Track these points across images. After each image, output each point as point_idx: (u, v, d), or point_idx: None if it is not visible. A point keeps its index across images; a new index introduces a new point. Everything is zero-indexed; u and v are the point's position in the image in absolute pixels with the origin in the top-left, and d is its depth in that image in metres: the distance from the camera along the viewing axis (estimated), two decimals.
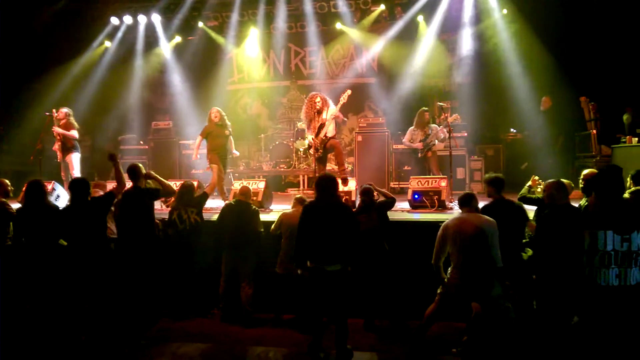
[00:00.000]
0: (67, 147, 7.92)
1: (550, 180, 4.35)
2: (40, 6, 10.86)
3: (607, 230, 3.25)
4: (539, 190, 5.26)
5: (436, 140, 7.79)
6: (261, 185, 7.28)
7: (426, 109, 8.23)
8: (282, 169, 10.28)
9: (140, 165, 5.45)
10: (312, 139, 7.20)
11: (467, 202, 4.47)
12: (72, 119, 7.98)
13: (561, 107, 8.76)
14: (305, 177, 10.08)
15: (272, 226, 5.53)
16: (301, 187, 10.13)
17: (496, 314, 4.31)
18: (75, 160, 7.96)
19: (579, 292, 3.42)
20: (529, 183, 5.29)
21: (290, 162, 10.17)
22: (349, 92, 7.21)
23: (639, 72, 8.62)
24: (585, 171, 5.03)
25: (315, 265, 4.37)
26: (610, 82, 8.76)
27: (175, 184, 7.25)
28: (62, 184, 7.73)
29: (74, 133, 7.91)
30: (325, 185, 4.46)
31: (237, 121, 12.28)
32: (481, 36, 10.47)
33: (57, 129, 7.86)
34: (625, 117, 8.63)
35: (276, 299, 5.54)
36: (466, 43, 10.59)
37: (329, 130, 7.13)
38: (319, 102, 7.15)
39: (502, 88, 9.83)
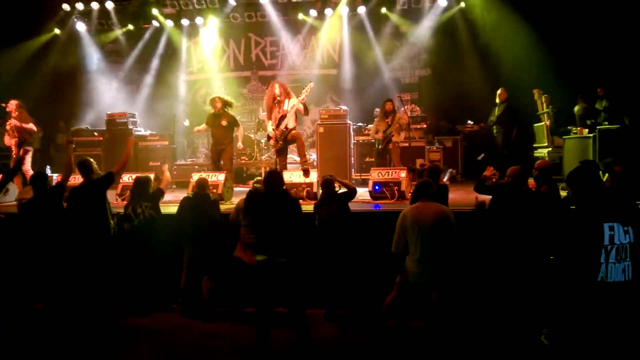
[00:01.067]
0: (22, 140, 7.53)
1: (515, 167, 4.60)
2: None
3: (614, 223, 3.02)
4: (493, 180, 5.40)
5: (400, 130, 7.86)
6: (221, 177, 7.16)
7: (390, 98, 8.27)
8: (243, 161, 10.15)
9: (91, 159, 5.30)
10: (273, 129, 7.12)
11: (424, 191, 4.54)
12: (25, 111, 7.63)
13: (516, 99, 9.01)
14: (267, 168, 9.98)
15: (231, 214, 5.45)
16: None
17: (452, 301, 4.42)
18: (28, 156, 7.63)
19: (580, 290, 3.15)
20: (485, 173, 5.41)
21: (252, 154, 10.05)
22: (311, 84, 7.13)
23: (589, 64, 8.97)
24: (538, 161, 5.21)
25: (265, 257, 4.34)
26: (563, 74, 9.07)
27: (130, 177, 7.14)
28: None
29: (32, 126, 7.58)
30: (271, 179, 4.49)
31: (196, 112, 12.11)
32: (441, 28, 10.64)
33: (14, 122, 7.44)
34: (576, 108, 8.97)
35: (238, 291, 5.47)
36: (426, 35, 10.74)
37: (290, 122, 7.04)
38: (278, 91, 7.05)
39: (460, 80, 10.03)
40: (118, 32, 11.62)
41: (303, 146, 7.30)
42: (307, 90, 7.04)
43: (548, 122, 8.61)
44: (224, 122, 7.75)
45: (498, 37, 9.86)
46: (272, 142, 7.26)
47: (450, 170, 8.34)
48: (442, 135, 10.01)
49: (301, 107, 7.00)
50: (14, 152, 7.57)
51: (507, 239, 4.53)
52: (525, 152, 8.80)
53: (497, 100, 8.73)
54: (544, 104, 8.79)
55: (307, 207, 6.42)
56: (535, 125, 8.94)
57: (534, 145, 8.97)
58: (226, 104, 7.81)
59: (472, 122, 10.14)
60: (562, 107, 8.76)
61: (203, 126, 8.03)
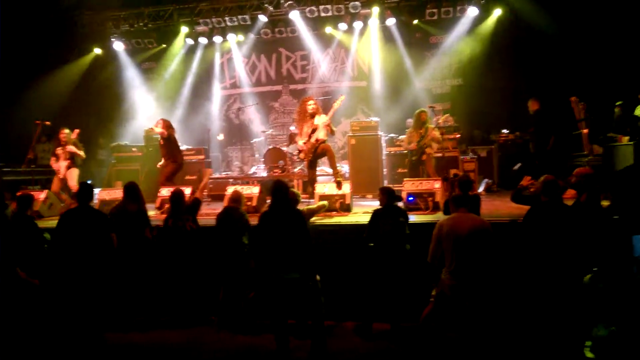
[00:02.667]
0: (72, 164, 8.17)
1: (545, 176, 4.53)
2: (32, 13, 10.79)
3: None
4: (531, 190, 5.31)
5: (433, 143, 7.81)
6: (255, 190, 7.28)
7: (424, 109, 8.25)
8: (276, 174, 10.26)
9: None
10: (303, 143, 7.18)
11: (462, 202, 4.50)
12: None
13: (552, 108, 8.83)
14: (300, 181, 10.07)
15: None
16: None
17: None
18: (75, 174, 8.16)
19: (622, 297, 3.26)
20: (522, 183, 5.32)
21: (284, 167, 10.16)
22: (342, 97, 7.20)
23: (628, 70, 8.72)
24: (578, 168, 5.07)
25: (274, 274, 4.32)
26: (600, 82, 8.85)
27: (169, 191, 7.34)
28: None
29: (82, 153, 8.28)
30: (278, 191, 4.46)
31: (229, 126, 12.37)
32: (471, 38, 10.56)
33: (70, 148, 8.08)
34: (615, 115, 8.69)
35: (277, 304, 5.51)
36: (457, 44, 10.68)
37: (320, 134, 7.09)
38: (311, 105, 7.13)
39: (494, 88, 9.91)
40: (154, 51, 11.98)
41: (334, 158, 7.32)
42: (338, 103, 7.11)
43: (586, 130, 8.40)
44: None
45: (533, 44, 9.71)
46: (302, 155, 7.32)
47: (487, 180, 8.22)
48: (476, 145, 9.87)
49: (330, 122, 7.09)
50: (61, 174, 8.06)
51: (544, 251, 4.43)
52: (563, 161, 8.58)
53: (530, 111, 8.58)
54: (581, 112, 8.58)
55: (340, 219, 6.46)
56: (573, 133, 8.73)
57: (573, 154, 8.75)
58: None
59: (507, 131, 9.96)
60: (601, 114, 8.53)
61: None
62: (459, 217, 4.40)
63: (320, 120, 7.08)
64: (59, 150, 8.12)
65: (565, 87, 9.06)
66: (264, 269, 4.39)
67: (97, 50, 11.86)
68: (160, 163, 8.30)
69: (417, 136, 7.91)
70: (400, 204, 5.45)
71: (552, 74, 9.31)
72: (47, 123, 8.61)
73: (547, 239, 4.39)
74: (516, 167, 8.95)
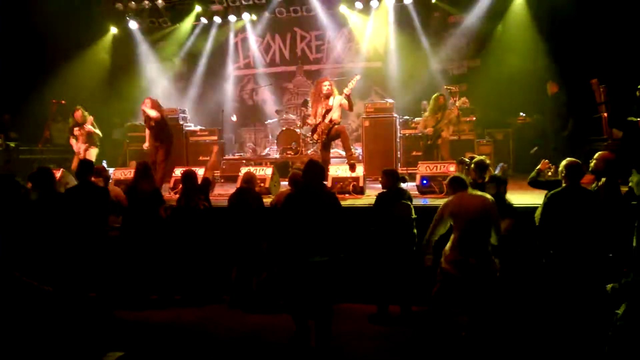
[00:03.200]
0: (90, 144, 8.26)
1: (571, 159, 4.45)
2: None
3: None
4: (549, 174, 5.22)
5: (450, 125, 7.71)
6: (268, 171, 7.29)
7: (441, 93, 8.12)
8: (289, 155, 10.24)
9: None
10: (317, 125, 7.11)
11: (462, 184, 4.48)
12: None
13: (571, 90, 8.63)
14: None
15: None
16: None
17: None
18: (94, 153, 8.27)
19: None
20: (539, 167, 5.23)
21: (297, 148, 10.13)
22: (358, 77, 7.05)
23: None
24: (599, 152, 4.96)
25: (302, 257, 4.15)
26: (621, 64, 8.61)
27: (182, 171, 7.37)
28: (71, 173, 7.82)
29: (99, 131, 8.35)
30: (314, 172, 4.27)
31: (243, 107, 12.33)
32: (491, 18, 10.30)
33: (87, 128, 8.14)
34: (638, 94, 8.46)
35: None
36: (476, 24, 10.43)
37: (334, 115, 6.99)
38: (327, 86, 7.02)
39: (511, 71, 9.68)
40: (168, 30, 11.93)
41: (348, 140, 7.23)
42: (353, 83, 6.99)
43: (606, 114, 8.20)
44: None
45: (554, 24, 9.44)
46: (316, 136, 7.24)
47: (502, 164, 8.11)
48: (493, 127, 9.72)
49: (345, 102, 6.93)
50: (81, 155, 8.13)
51: (562, 236, 4.37)
52: (581, 145, 8.41)
53: (548, 93, 8.40)
54: (602, 95, 8.36)
55: (353, 201, 6.44)
56: (593, 116, 8.54)
57: (591, 137, 8.57)
58: None
59: (524, 114, 9.77)
60: (622, 97, 8.31)
61: None
62: (465, 195, 4.39)
63: (335, 101, 6.98)
64: (76, 131, 8.20)
65: (585, 69, 8.83)
66: (288, 251, 4.23)
67: (113, 30, 11.84)
68: (146, 145, 8.03)
69: (433, 120, 7.81)
70: (404, 186, 5.37)
71: (572, 55, 9.05)
72: (63, 102, 8.68)
73: (568, 225, 4.31)
74: (533, 150, 8.83)
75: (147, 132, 8.31)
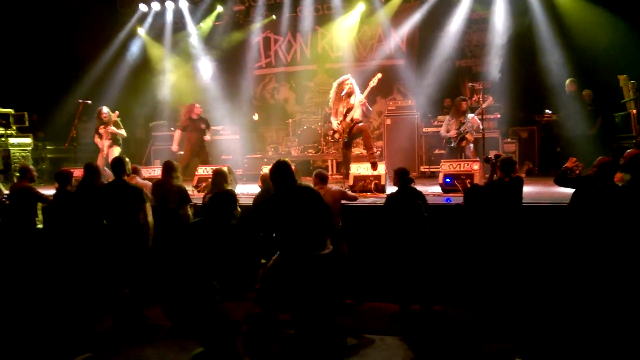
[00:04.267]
0: (114, 142, 8.44)
1: (604, 158, 4.38)
2: None
3: None
4: (577, 172, 5.10)
5: (472, 131, 7.60)
6: None
7: (464, 97, 8.02)
8: (310, 154, 10.26)
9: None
10: (338, 123, 7.07)
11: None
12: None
13: (599, 87, 8.42)
14: (334, 161, 10.03)
15: None
16: (330, 172, 10.09)
17: None
18: (117, 152, 8.35)
19: None
20: (567, 164, 5.11)
21: (319, 147, 10.13)
22: (379, 75, 7.02)
23: None
24: (629, 150, 4.84)
25: (295, 253, 4.04)
26: None
27: (205, 170, 7.46)
28: None
29: (124, 132, 8.52)
30: (281, 172, 4.07)
31: (264, 106, 12.38)
32: (515, 13, 10.10)
33: (111, 129, 8.33)
34: None
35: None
36: (499, 20, 10.25)
37: (356, 114, 6.96)
38: (348, 84, 6.98)
39: (537, 66, 9.50)
40: (192, 30, 12.04)
41: (369, 138, 7.19)
42: (374, 81, 6.97)
43: (635, 110, 7.98)
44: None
45: (581, 20, 9.22)
46: (337, 135, 7.21)
47: (527, 162, 7.99)
48: (518, 125, 9.55)
49: (366, 101, 6.96)
50: (104, 153, 8.37)
51: (589, 236, 4.27)
52: (609, 142, 8.22)
53: (567, 91, 8.23)
54: (631, 91, 8.14)
55: (376, 200, 6.40)
56: (621, 114, 8.33)
57: (619, 135, 8.36)
58: None
59: (550, 112, 9.58)
60: None
61: None
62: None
63: (356, 99, 6.96)
64: (101, 129, 8.41)
65: (613, 65, 8.62)
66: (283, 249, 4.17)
67: (141, 31, 12.02)
68: (175, 148, 8.53)
69: (456, 124, 7.70)
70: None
71: (601, 51, 8.83)
72: (89, 102, 8.86)
73: (599, 224, 4.21)
74: (559, 148, 8.66)
75: (178, 134, 8.44)
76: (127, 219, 4.95)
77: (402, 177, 5.12)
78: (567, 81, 8.41)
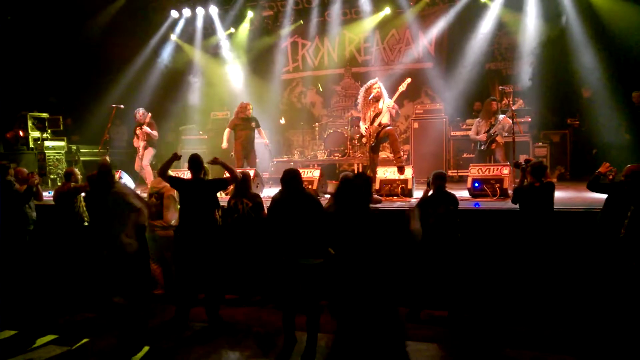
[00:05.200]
0: (149, 144, 8.69)
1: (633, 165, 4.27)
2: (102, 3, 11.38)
3: None
4: (610, 177, 4.94)
5: (503, 132, 7.44)
6: (316, 173, 7.30)
7: (494, 98, 7.87)
8: (336, 158, 10.26)
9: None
10: (366, 128, 7.06)
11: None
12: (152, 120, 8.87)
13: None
14: (360, 165, 10.00)
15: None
16: None
17: None
18: (150, 154, 8.73)
19: None
20: (600, 169, 4.97)
21: (345, 151, 10.12)
22: (408, 80, 6.99)
23: None
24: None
25: (289, 258, 4.19)
26: None
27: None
28: (129, 174, 8.17)
29: (156, 133, 8.76)
30: (288, 178, 4.35)
31: (291, 110, 12.45)
32: (545, 15, 9.89)
33: (145, 129, 8.59)
34: None
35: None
36: (529, 23, 10.04)
37: (385, 118, 6.93)
38: (377, 89, 6.94)
39: (569, 70, 9.26)
40: (221, 36, 12.24)
41: (396, 142, 7.13)
42: (403, 86, 6.94)
43: None
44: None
45: (615, 21, 8.95)
46: (364, 139, 7.20)
47: (559, 167, 7.79)
48: (549, 129, 9.32)
49: (395, 105, 6.93)
50: (140, 153, 8.65)
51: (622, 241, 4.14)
52: None
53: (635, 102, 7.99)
54: None
55: (403, 204, 6.35)
56: None
57: None
58: None
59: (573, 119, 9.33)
60: None
61: None
62: None
63: (384, 104, 6.93)
64: (138, 130, 8.70)
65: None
66: (279, 254, 4.28)
67: (172, 36, 12.29)
68: (225, 145, 8.57)
69: (486, 125, 7.55)
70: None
71: (629, 55, 8.54)
72: (121, 106, 9.08)
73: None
74: (594, 152, 8.42)
75: (227, 132, 8.60)
76: (204, 218, 5.01)
77: (437, 179, 5.06)
78: (634, 93, 8.12)
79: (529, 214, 4.93)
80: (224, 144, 8.59)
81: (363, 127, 7.11)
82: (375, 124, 6.94)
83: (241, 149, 8.48)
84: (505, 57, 10.67)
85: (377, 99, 6.95)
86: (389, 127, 6.99)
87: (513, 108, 7.23)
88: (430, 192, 5.07)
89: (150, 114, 8.80)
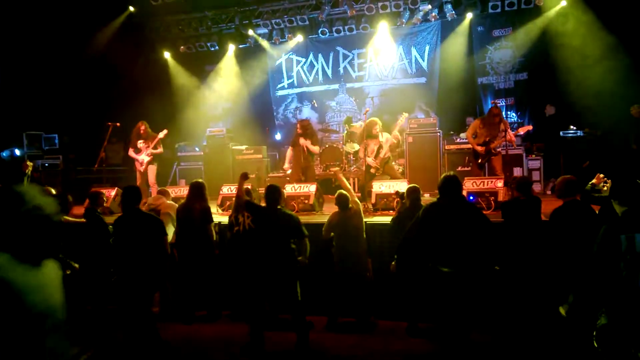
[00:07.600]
0: (152, 159, 8.51)
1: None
2: (101, 21, 11.47)
3: None
4: (604, 189, 4.99)
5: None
6: (312, 188, 7.33)
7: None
8: (332, 172, 10.29)
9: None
10: (373, 160, 7.69)
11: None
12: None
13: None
14: (356, 179, 10.04)
15: (323, 231, 5.54)
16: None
17: None
18: (154, 170, 8.53)
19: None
20: (593, 180, 5.02)
21: (341, 165, 10.17)
22: (405, 114, 7.86)
23: None
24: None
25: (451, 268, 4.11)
26: None
27: (230, 189, 7.56)
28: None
29: (161, 150, 8.65)
30: (449, 185, 4.33)
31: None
32: (537, 30, 10.07)
33: (152, 150, 8.44)
34: None
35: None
36: (522, 37, 10.22)
37: (386, 149, 7.73)
38: (378, 126, 7.69)
39: (562, 83, 9.40)
40: (217, 52, 12.36)
41: (396, 172, 8.02)
42: (402, 120, 7.82)
43: None
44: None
45: (601, 37, 9.12)
46: (372, 170, 7.77)
47: (552, 179, 7.85)
48: (542, 141, 9.42)
49: (394, 141, 7.85)
50: (143, 168, 8.45)
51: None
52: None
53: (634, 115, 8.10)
54: None
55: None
56: None
57: None
58: None
59: (574, 128, 9.44)
60: None
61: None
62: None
63: (385, 137, 7.75)
64: (140, 144, 8.44)
65: None
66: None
67: (167, 55, 12.40)
68: (287, 167, 8.89)
69: (486, 133, 7.61)
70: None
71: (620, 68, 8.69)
72: (118, 125, 9.10)
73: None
74: (585, 164, 8.49)
75: (289, 152, 8.71)
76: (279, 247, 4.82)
77: (409, 194, 5.34)
78: (632, 108, 8.23)
79: (516, 226, 5.05)
80: (286, 165, 9.04)
81: (370, 159, 7.69)
82: (381, 155, 7.71)
83: (297, 165, 8.68)
84: (497, 71, 10.82)
85: (376, 135, 7.69)
86: (389, 163, 7.84)
87: (521, 133, 7.38)
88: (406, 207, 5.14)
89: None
